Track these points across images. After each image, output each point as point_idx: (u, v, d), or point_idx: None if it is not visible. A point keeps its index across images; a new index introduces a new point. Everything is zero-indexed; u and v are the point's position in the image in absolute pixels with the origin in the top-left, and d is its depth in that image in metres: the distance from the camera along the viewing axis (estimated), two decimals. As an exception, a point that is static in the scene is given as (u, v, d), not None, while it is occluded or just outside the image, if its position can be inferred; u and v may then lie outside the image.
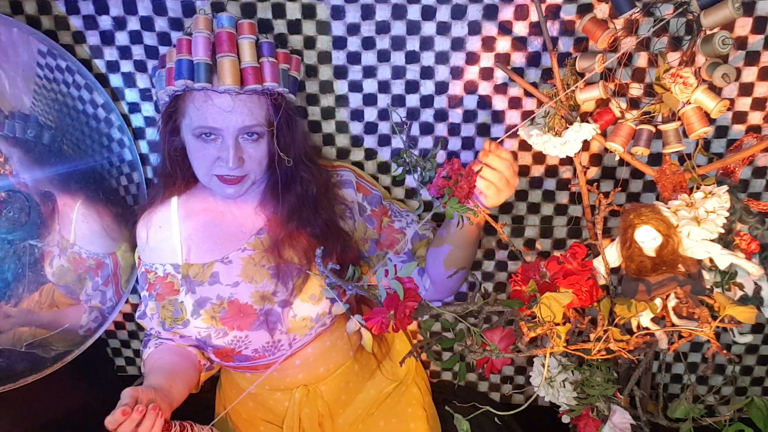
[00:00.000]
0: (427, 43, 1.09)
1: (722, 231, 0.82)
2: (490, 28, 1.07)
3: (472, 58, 1.09)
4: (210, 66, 0.94)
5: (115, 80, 1.16)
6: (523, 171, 1.18)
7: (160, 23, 1.10)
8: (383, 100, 1.14)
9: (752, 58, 1.03)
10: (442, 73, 1.11)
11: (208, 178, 1.00)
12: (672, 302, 0.85)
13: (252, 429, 1.19)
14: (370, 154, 1.20)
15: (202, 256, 1.07)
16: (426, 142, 1.18)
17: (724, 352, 0.79)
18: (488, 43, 1.08)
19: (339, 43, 1.10)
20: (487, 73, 1.10)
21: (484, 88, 1.12)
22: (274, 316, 1.05)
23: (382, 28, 1.08)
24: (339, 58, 1.11)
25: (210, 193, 1.09)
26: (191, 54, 0.94)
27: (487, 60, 1.09)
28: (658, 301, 0.85)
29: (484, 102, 1.13)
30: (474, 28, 1.07)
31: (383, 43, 1.09)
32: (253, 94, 0.96)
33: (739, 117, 1.08)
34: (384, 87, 1.13)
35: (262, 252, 1.05)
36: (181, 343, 1.12)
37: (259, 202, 1.08)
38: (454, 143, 1.17)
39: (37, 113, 1.13)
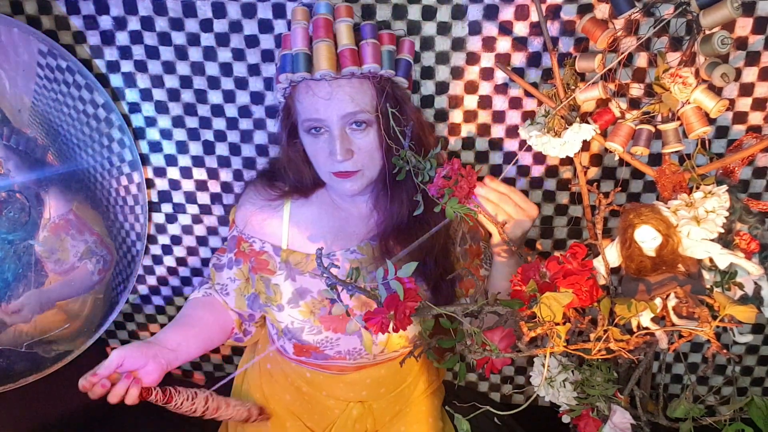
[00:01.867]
0: (427, 43, 1.09)
1: (722, 231, 0.82)
2: (490, 29, 1.07)
3: (472, 59, 1.09)
4: (308, 55, 0.90)
5: (115, 80, 1.16)
6: (523, 171, 1.18)
7: (160, 23, 1.10)
8: (383, 100, 1.14)
9: (752, 58, 1.03)
10: (442, 73, 1.11)
11: (328, 176, 0.97)
12: (672, 302, 0.85)
13: (277, 421, 1.15)
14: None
15: (307, 246, 1.05)
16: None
17: (724, 351, 0.79)
18: (488, 44, 1.08)
19: (339, 43, 1.10)
20: (487, 74, 1.10)
21: (485, 88, 1.12)
22: None
23: (383, 28, 1.08)
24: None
25: (327, 191, 1.07)
26: (291, 48, 0.92)
27: (487, 60, 1.09)
28: (658, 301, 0.85)
29: (485, 102, 1.13)
30: (474, 29, 1.07)
31: (383, 43, 1.09)
32: (353, 79, 0.91)
33: (739, 117, 1.08)
34: (384, 87, 1.13)
35: (370, 259, 1.02)
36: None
37: (374, 205, 1.04)
38: (455, 143, 1.17)
39: (36, 125, 1.15)
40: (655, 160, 1.11)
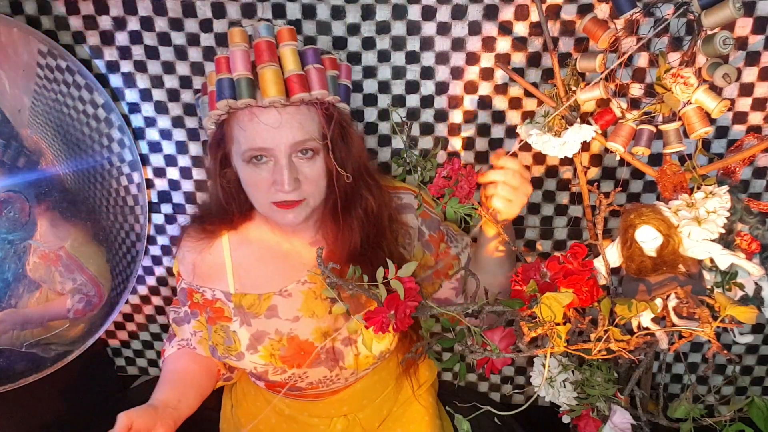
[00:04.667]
0: (427, 44, 1.09)
1: (723, 231, 0.82)
2: (490, 29, 1.07)
3: (472, 59, 1.09)
4: (251, 81, 0.86)
5: (115, 80, 1.16)
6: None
7: (160, 23, 1.10)
8: (383, 100, 1.14)
9: (753, 59, 1.03)
10: (442, 73, 1.11)
11: (267, 207, 0.91)
12: (672, 302, 0.85)
13: None
14: (370, 154, 1.20)
15: (258, 286, 1.01)
16: (426, 142, 1.18)
17: (725, 352, 0.79)
18: (488, 44, 1.08)
19: (339, 43, 1.10)
20: (487, 74, 1.10)
21: (485, 88, 1.12)
22: (336, 354, 1.00)
23: (383, 28, 1.08)
24: (339, 58, 1.11)
25: (265, 222, 1.02)
26: (230, 71, 0.87)
27: (487, 60, 1.09)
28: (658, 301, 0.85)
29: (485, 102, 1.13)
30: (474, 29, 1.07)
31: (383, 43, 1.09)
32: (301, 106, 0.87)
33: (740, 117, 1.08)
34: (384, 87, 1.13)
35: (323, 285, 0.97)
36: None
37: (318, 229, 1.01)
38: (454, 143, 1.17)
39: (35, 127, 1.14)
40: (656, 160, 1.11)
